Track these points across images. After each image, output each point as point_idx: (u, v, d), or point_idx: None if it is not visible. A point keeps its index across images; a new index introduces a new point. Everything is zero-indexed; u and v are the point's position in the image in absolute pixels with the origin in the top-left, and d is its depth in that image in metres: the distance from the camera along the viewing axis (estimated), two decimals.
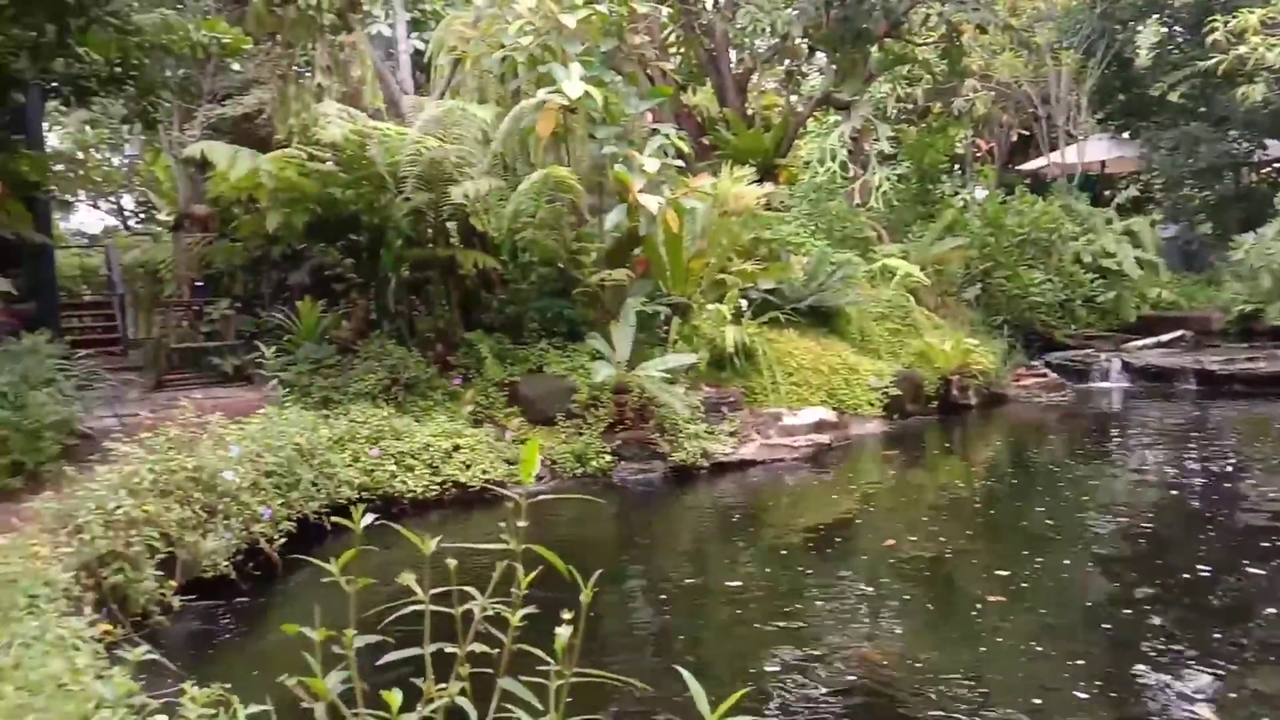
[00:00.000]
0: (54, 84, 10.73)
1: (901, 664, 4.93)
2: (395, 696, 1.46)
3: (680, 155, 11.51)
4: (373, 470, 8.19)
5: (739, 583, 6.47)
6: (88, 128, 20.40)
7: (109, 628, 4.41)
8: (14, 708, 2.55)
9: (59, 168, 18.65)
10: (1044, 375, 14.94)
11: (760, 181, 13.64)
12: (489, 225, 11.19)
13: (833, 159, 15.77)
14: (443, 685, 1.54)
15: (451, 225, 11.52)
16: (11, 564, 4.23)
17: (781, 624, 5.49)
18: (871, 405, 11.98)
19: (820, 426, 10.74)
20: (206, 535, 5.71)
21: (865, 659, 4.96)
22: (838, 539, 7.74)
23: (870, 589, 6.28)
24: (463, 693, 1.54)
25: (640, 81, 12.03)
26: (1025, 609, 5.73)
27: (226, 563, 5.73)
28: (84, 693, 2.63)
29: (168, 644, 4.68)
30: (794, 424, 10.61)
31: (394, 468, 8.33)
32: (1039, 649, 5.06)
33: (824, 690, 4.59)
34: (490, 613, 1.68)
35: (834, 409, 11.40)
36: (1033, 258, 16.94)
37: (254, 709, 2.32)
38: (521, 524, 1.84)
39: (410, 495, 8.11)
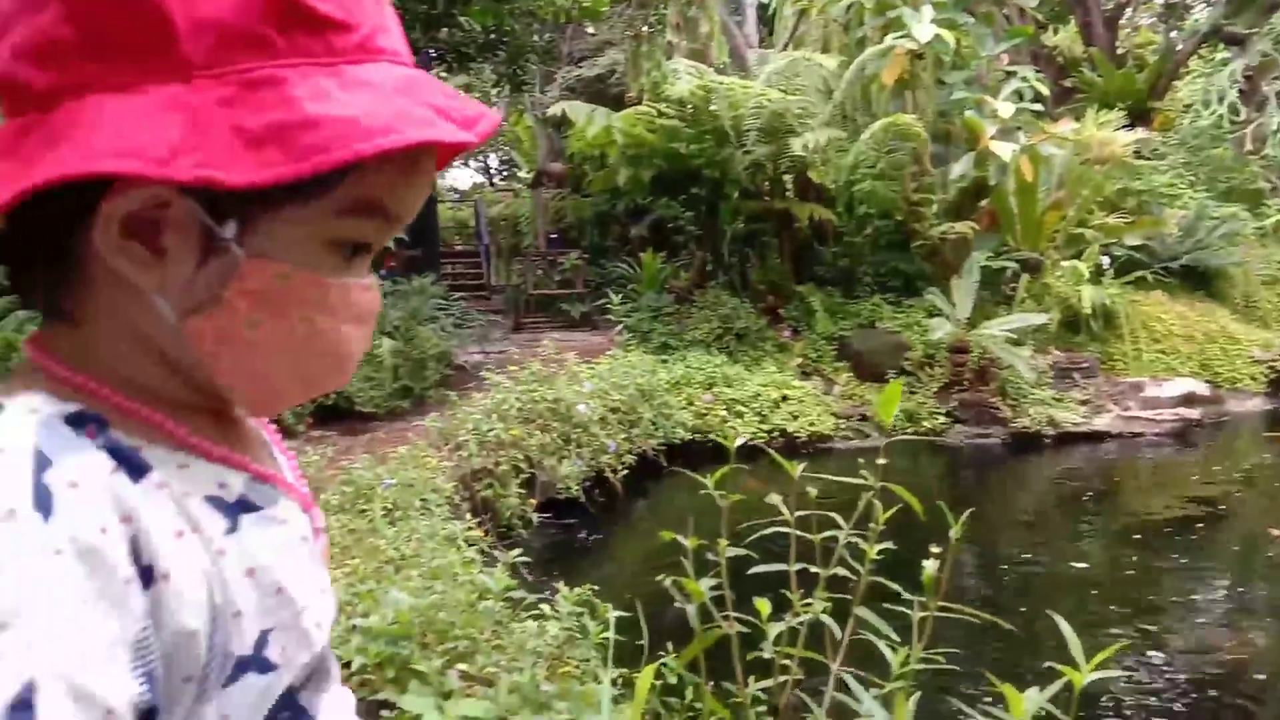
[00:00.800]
0: (439, 52, 11.99)
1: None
2: (766, 604, 1.53)
3: (1038, 99, 10.67)
4: (705, 414, 8.50)
5: (1084, 564, 6.01)
6: (463, 92, 22.61)
7: (481, 534, 4.97)
8: (418, 589, 2.96)
9: None
10: None
11: (1130, 127, 12.37)
12: (826, 177, 11.09)
13: (1220, 101, 13.89)
14: (808, 600, 1.59)
15: (788, 177, 11.55)
16: (409, 471, 4.88)
17: (1131, 615, 5.03)
18: (1254, 380, 10.56)
19: (1189, 400, 9.63)
20: (562, 460, 6.24)
21: (1228, 663, 4.43)
22: (1202, 525, 6.93)
23: (1242, 585, 5.58)
24: (824, 612, 1.58)
25: (996, 21, 11.25)
26: None
27: (577, 487, 6.23)
28: (471, 583, 3.00)
29: (529, 553, 5.19)
30: (1157, 395, 9.60)
31: (724, 413, 8.60)
32: None
33: (1173, 693, 4.14)
34: (848, 542, 1.70)
35: (1207, 382, 10.17)
36: None
37: (618, 613, 2.53)
38: (882, 461, 1.83)
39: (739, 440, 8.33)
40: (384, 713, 2.43)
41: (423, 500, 4.48)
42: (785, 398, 9.03)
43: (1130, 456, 8.67)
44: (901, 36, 9.63)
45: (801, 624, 1.58)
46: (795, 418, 8.86)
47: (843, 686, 1.46)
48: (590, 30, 17.27)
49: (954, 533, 1.52)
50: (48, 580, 0.46)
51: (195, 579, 0.54)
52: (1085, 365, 9.75)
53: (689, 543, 1.67)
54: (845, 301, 10.61)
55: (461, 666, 2.53)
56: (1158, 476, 8.29)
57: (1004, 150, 8.90)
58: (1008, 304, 10.14)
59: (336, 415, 7.33)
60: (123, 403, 0.57)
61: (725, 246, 12.00)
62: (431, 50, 11.81)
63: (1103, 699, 3.91)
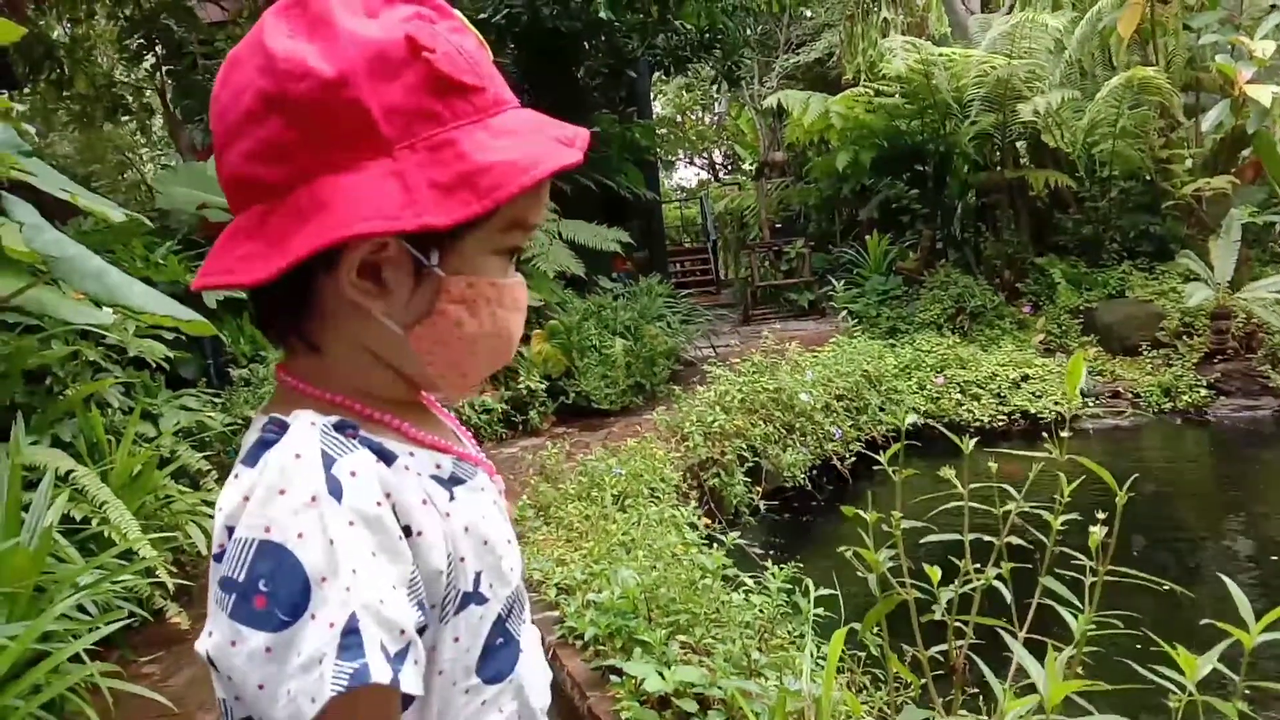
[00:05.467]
0: (657, 58, 12.39)
1: None
2: (935, 571, 1.62)
3: None
4: (938, 398, 8.31)
5: None
6: (684, 92, 23.07)
7: (708, 521, 5.19)
8: (643, 567, 3.22)
9: (662, 132, 21.37)
10: None
11: None
12: (1062, 141, 10.49)
13: None
14: (978, 566, 1.66)
15: (1021, 145, 11.02)
16: (638, 463, 5.18)
17: None
18: None
19: None
20: (786, 449, 6.36)
21: None
22: None
23: None
24: (999, 578, 1.65)
25: None
26: None
27: (803, 475, 6.32)
28: (690, 563, 3.22)
29: (753, 539, 5.36)
30: None
31: (959, 396, 8.37)
32: None
33: None
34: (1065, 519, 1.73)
35: None
36: None
37: (823, 591, 2.66)
38: (1065, 434, 1.86)
39: (976, 424, 8.08)
40: (613, 677, 2.69)
41: (651, 489, 4.76)
42: (1026, 377, 8.64)
43: None
44: None
45: (974, 590, 1.65)
46: (1038, 397, 8.46)
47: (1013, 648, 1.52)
48: (808, 14, 17.16)
49: (1119, 499, 1.54)
50: (349, 542, 0.68)
51: (437, 534, 0.76)
52: None
53: (869, 517, 1.78)
54: (1090, 271, 9.97)
55: (681, 638, 2.75)
56: None
57: (1263, 94, 8.06)
58: (1277, 263, 9.18)
59: (576, 413, 7.84)
60: (363, 410, 0.79)
61: (955, 223, 11.61)
62: (647, 57, 12.23)
63: None
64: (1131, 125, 9.73)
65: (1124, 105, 9.58)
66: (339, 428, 0.74)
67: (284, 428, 0.73)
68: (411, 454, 0.79)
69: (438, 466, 0.81)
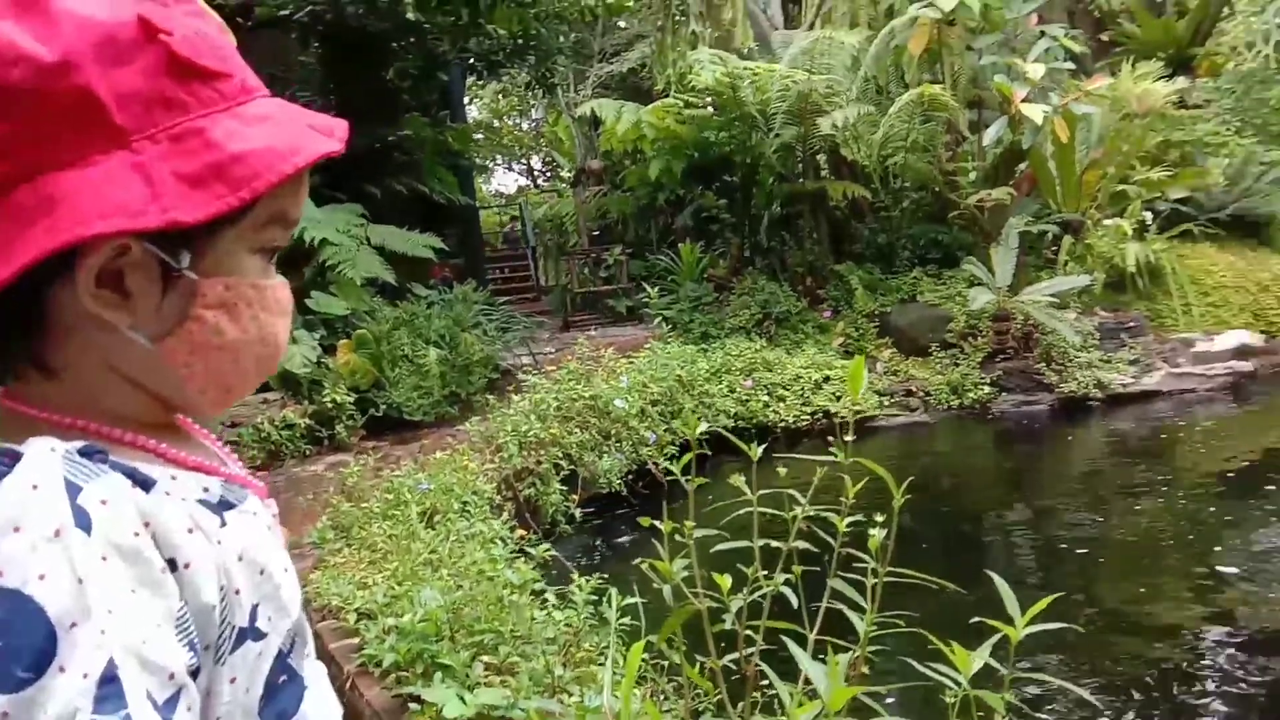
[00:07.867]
0: (470, 61, 12.18)
1: None
2: (725, 579, 1.62)
3: (1072, 57, 10.51)
4: (747, 400, 8.55)
5: (1140, 527, 5.95)
6: (500, 97, 22.85)
7: (524, 532, 5.11)
8: (448, 587, 3.11)
9: (478, 137, 21.06)
10: None
11: (1171, 76, 12.08)
12: (859, 154, 11.05)
13: (1266, 42, 13.47)
14: (766, 573, 1.68)
15: (821, 157, 11.53)
16: (448, 475, 5.04)
17: (1191, 582, 4.96)
18: None
19: (1242, 353, 9.40)
20: (602, 456, 6.37)
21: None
22: (1271, 484, 6.77)
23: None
24: (789, 584, 1.67)
25: None
26: None
27: (619, 480, 6.34)
28: (499, 579, 3.14)
29: (570, 548, 5.33)
30: (1209, 350, 9.39)
31: (766, 398, 8.64)
32: None
33: (1244, 666, 4.07)
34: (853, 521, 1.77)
35: (1261, 332, 9.92)
36: None
37: (628, 600, 2.64)
38: (849, 438, 1.91)
39: (782, 424, 8.37)
40: (413, 705, 2.58)
41: (462, 503, 4.63)
42: (828, 378, 9.03)
43: (1182, 414, 8.47)
44: (926, 5, 9.56)
45: (763, 596, 1.67)
46: (838, 398, 8.85)
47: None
48: (622, 24, 17.35)
49: (896, 502, 1.59)
50: (102, 579, 0.58)
51: (208, 565, 0.66)
52: (1132, 325, 9.58)
53: (664, 527, 1.77)
54: (885, 277, 10.55)
55: (486, 659, 2.67)
56: (1213, 433, 8.10)
57: (1035, 112, 8.78)
58: (1050, 268, 10.01)
59: (387, 426, 7.55)
60: (111, 433, 0.69)
61: (762, 232, 12.03)
62: (462, 62, 12.00)
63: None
64: (922, 139, 10.37)
65: (915, 120, 10.20)
66: (84, 453, 0.63)
67: (17, 458, 0.62)
68: (173, 478, 0.70)
69: (205, 490, 0.72)
